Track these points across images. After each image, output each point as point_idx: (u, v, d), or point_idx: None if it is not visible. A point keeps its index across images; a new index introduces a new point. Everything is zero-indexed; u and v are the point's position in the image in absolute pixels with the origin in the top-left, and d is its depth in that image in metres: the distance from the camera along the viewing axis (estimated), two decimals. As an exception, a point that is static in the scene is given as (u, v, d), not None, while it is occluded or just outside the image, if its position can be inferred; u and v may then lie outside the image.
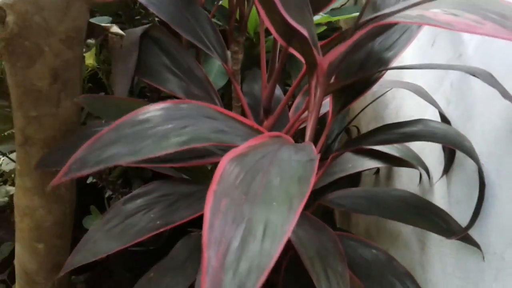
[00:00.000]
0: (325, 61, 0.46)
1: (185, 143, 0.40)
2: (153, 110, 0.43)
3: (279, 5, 0.39)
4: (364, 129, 1.00)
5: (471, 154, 0.47)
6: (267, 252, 0.28)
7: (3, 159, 0.98)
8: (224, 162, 0.35)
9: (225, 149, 0.53)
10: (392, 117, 0.84)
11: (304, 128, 0.63)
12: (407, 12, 0.37)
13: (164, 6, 0.60)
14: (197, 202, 0.54)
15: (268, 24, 0.50)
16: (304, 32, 0.41)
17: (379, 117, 0.91)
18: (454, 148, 0.50)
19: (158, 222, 0.49)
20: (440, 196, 0.61)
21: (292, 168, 0.36)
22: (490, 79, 0.44)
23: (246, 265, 0.28)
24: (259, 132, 0.49)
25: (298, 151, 0.42)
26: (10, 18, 0.47)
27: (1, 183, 1.06)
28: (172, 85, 0.62)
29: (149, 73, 0.62)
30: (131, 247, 0.52)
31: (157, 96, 0.97)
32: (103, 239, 0.47)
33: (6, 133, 0.77)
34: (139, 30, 0.64)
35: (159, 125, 0.41)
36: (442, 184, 0.60)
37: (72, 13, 0.50)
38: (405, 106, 0.79)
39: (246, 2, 0.61)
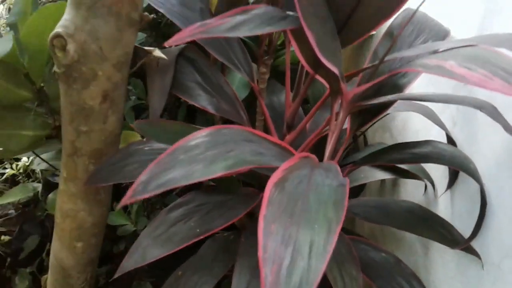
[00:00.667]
0: (350, 93, 0.52)
1: (231, 167, 0.46)
2: (200, 137, 0.49)
3: (316, 49, 0.45)
4: (370, 137, 1.07)
5: (475, 176, 0.54)
6: (314, 268, 0.35)
7: (33, 158, 1.04)
8: (269, 188, 0.42)
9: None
10: (399, 129, 0.91)
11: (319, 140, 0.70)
12: (427, 61, 0.43)
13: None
14: (229, 212, 0.61)
15: (298, 54, 0.56)
16: (336, 71, 0.47)
17: (386, 127, 0.97)
18: (460, 170, 0.57)
19: (197, 230, 0.55)
20: (444, 207, 0.68)
21: (327, 193, 0.43)
22: (493, 113, 0.50)
23: (297, 279, 0.34)
24: (288, 151, 0.55)
25: (328, 173, 0.48)
26: (70, 47, 0.53)
27: (27, 180, 1.12)
28: (204, 101, 0.68)
29: (183, 89, 0.68)
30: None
31: (174, 100, 1.03)
32: (151, 245, 0.54)
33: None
34: (175, 50, 0.69)
35: (207, 151, 0.47)
36: (446, 196, 0.67)
37: (124, 41, 0.56)
38: (411, 120, 0.85)
39: (274, 29, 0.67)
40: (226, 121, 0.77)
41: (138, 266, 0.54)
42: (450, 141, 0.63)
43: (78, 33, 0.53)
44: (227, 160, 0.47)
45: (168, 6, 0.66)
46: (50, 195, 1.02)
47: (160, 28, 0.99)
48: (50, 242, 0.81)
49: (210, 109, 0.68)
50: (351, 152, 0.90)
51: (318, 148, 0.78)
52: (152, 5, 0.65)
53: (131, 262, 0.54)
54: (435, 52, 0.45)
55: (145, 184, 0.45)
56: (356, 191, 0.94)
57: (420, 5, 0.56)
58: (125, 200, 0.45)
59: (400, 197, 0.85)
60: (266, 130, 0.75)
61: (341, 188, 0.44)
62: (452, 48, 0.44)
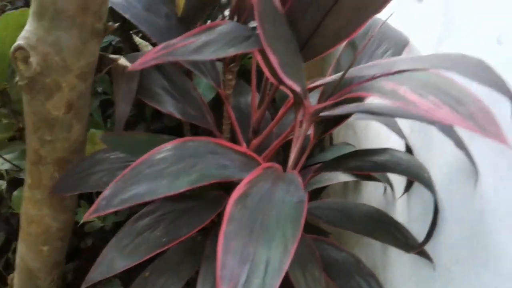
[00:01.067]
0: (312, 108, 0.54)
1: (194, 182, 0.48)
2: (165, 150, 0.50)
3: (278, 70, 0.46)
4: (335, 133, 1.10)
5: (429, 186, 0.57)
6: (268, 286, 0.37)
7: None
8: (231, 204, 0.44)
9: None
10: (361, 128, 0.94)
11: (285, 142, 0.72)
12: (384, 83, 0.45)
13: (165, 36, 0.66)
14: (194, 219, 0.62)
15: (263, 67, 0.58)
16: (297, 89, 0.49)
17: (350, 125, 1.00)
18: (415, 180, 0.60)
19: (164, 239, 0.57)
20: (401, 209, 0.71)
21: (286, 211, 0.45)
22: (445, 128, 0.53)
23: (252, 296, 0.37)
24: (253, 160, 0.57)
25: (289, 187, 0.50)
26: (33, 59, 0.52)
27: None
28: (171, 107, 0.69)
29: (149, 95, 0.68)
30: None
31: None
32: (118, 257, 0.55)
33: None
34: (141, 55, 0.69)
35: (172, 165, 0.49)
36: (403, 199, 0.70)
37: (87, 52, 0.56)
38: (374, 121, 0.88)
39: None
40: (194, 124, 0.78)
41: (105, 277, 0.55)
42: (408, 149, 0.66)
43: (40, 45, 0.52)
44: (191, 175, 0.49)
45: (132, 11, 0.65)
46: (15, 193, 1.00)
47: (126, 23, 0.97)
48: (16, 240, 0.81)
49: (177, 114, 0.68)
50: (316, 151, 0.92)
51: (284, 150, 0.80)
52: (117, 10, 0.65)
53: (97, 273, 0.55)
54: (392, 72, 0.47)
55: (109, 199, 0.46)
56: (320, 189, 0.97)
57: (387, 20, 0.58)
58: (88, 215, 0.46)
59: (362, 196, 0.89)
60: (233, 133, 0.76)
61: (300, 205, 0.46)
62: (407, 70, 0.46)
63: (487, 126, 0.38)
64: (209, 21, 0.79)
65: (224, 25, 0.49)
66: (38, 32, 0.52)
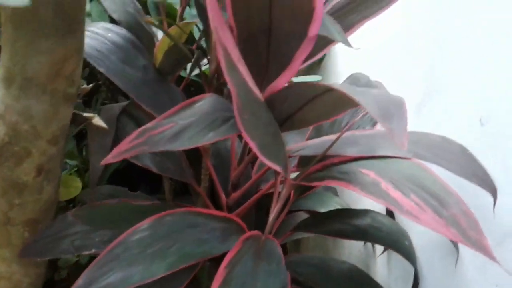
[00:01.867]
0: (292, 181, 0.52)
1: (172, 265, 0.46)
2: (141, 230, 0.48)
3: (259, 154, 0.44)
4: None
5: (409, 256, 0.56)
6: None
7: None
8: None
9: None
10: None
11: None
12: (364, 172, 0.44)
13: (142, 91, 0.64)
14: (170, 284, 0.60)
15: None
16: (278, 169, 0.47)
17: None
18: (394, 250, 0.59)
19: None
20: (381, 263, 0.71)
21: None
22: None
23: None
24: (233, 224, 0.55)
25: (270, 266, 0.49)
26: (1, 129, 0.50)
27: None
28: (147, 161, 0.66)
29: (125, 149, 0.66)
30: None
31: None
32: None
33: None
34: (117, 107, 0.67)
35: (148, 248, 0.47)
36: (384, 256, 0.70)
37: (59, 117, 0.53)
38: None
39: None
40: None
41: None
42: (390, 214, 0.65)
43: (8, 113, 0.50)
44: (168, 257, 0.47)
45: (107, 63, 0.63)
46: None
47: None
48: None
49: (155, 169, 0.66)
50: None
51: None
52: (91, 62, 0.62)
53: None
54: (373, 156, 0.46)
55: (83, 289, 0.44)
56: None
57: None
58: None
59: (343, 246, 0.88)
60: (212, 181, 0.74)
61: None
62: (389, 157, 0.45)
63: (471, 232, 0.37)
64: (189, 66, 0.77)
65: (203, 100, 0.48)
66: (6, 100, 0.50)
